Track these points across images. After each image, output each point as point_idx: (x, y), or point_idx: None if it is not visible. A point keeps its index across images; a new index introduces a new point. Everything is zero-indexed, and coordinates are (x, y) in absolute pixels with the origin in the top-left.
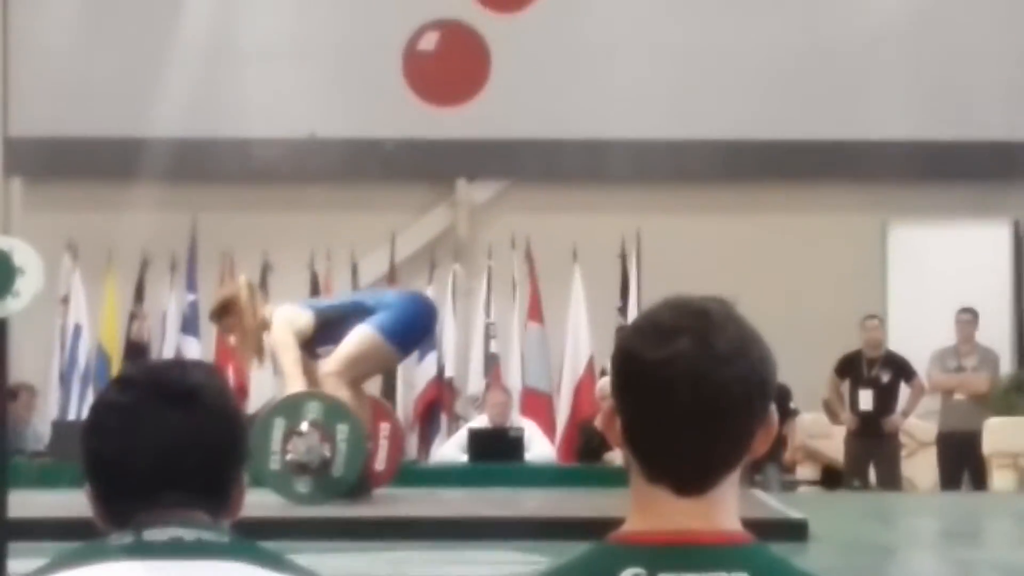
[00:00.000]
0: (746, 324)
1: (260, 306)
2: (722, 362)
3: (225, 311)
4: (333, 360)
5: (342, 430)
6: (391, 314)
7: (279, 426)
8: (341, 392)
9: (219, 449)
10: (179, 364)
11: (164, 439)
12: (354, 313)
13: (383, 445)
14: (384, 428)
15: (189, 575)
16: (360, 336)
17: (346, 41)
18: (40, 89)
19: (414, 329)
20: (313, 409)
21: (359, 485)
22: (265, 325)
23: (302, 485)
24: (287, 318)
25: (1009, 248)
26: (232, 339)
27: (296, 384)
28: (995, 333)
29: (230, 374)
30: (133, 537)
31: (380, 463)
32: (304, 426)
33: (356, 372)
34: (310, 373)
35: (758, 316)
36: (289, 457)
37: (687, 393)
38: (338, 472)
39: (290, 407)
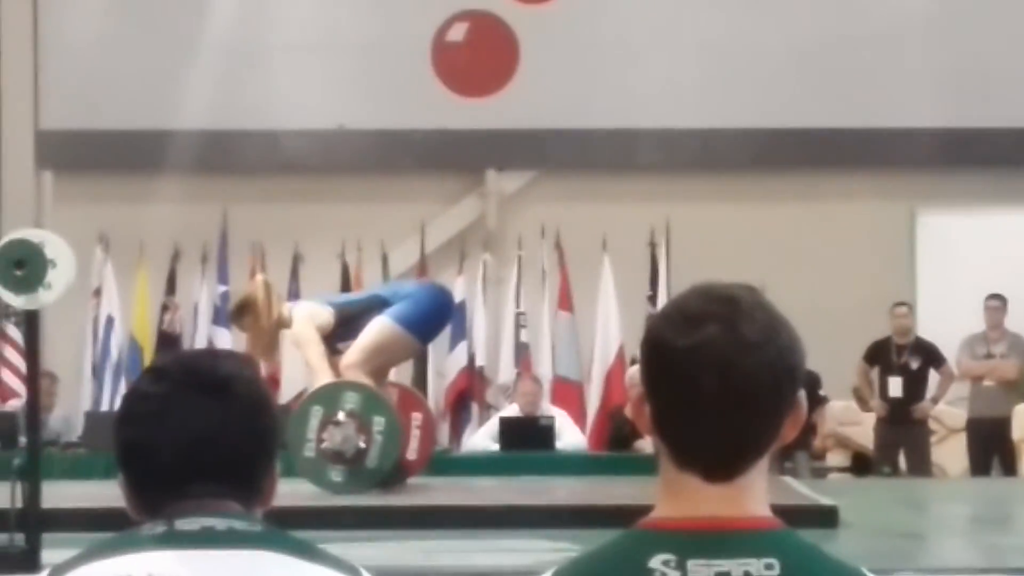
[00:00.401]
0: (774, 311)
1: (276, 305)
2: (750, 349)
3: (242, 311)
4: (353, 351)
5: (379, 422)
6: (408, 304)
7: (316, 414)
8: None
9: (251, 439)
10: (212, 354)
11: (196, 428)
12: (372, 307)
13: (415, 435)
14: (416, 418)
15: (221, 564)
16: (379, 327)
17: (375, 32)
18: (70, 82)
19: (432, 318)
20: (351, 399)
21: (392, 474)
22: (282, 323)
23: (335, 474)
24: (308, 314)
25: None
26: (246, 338)
27: (324, 376)
28: None
29: (262, 364)
30: (165, 527)
31: (412, 452)
32: (341, 415)
33: (376, 363)
34: (332, 368)
35: (787, 304)
36: (324, 445)
37: (715, 380)
38: (372, 463)
39: (328, 396)
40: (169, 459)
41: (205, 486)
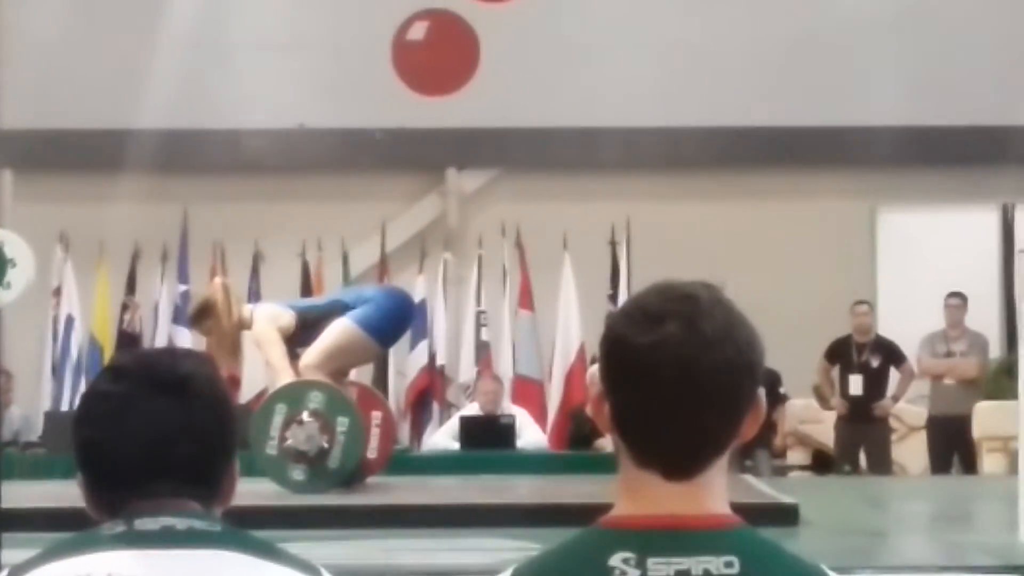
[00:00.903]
0: (733, 308)
1: (236, 307)
2: (709, 346)
3: (203, 315)
4: (313, 352)
5: (343, 422)
6: (370, 308)
7: (280, 412)
8: None
9: (210, 438)
10: (171, 353)
11: (155, 428)
12: (333, 312)
13: (375, 433)
14: (375, 416)
15: (181, 564)
16: (339, 329)
17: (335, 31)
18: (30, 81)
19: (393, 322)
20: (316, 399)
21: (353, 474)
22: (243, 325)
23: (297, 473)
24: (270, 315)
25: (998, 232)
26: (208, 341)
27: (286, 376)
28: (984, 317)
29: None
30: (125, 526)
31: (372, 451)
32: (305, 415)
33: (336, 364)
34: (293, 369)
35: (748, 302)
36: (287, 444)
37: (675, 377)
38: (334, 463)
39: (293, 394)
40: (128, 458)
41: (165, 485)
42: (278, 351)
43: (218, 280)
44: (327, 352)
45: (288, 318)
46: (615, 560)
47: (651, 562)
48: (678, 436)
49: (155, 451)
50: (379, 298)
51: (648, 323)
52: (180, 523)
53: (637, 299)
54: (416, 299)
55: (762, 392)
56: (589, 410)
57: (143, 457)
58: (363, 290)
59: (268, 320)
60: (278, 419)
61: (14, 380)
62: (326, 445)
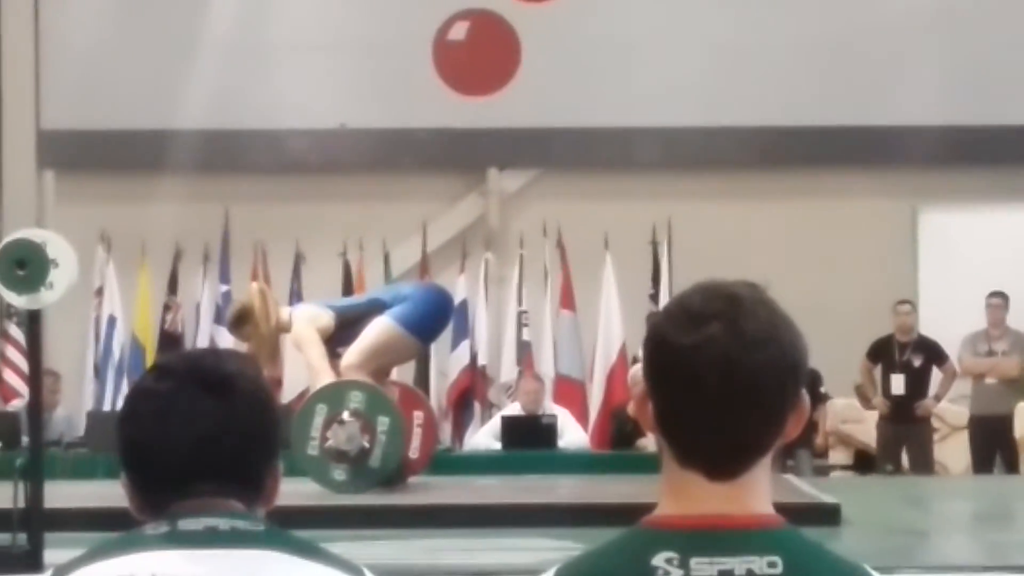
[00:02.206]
0: (777, 308)
1: (274, 310)
2: (753, 347)
3: (241, 321)
4: (353, 352)
5: (383, 422)
6: (409, 305)
7: (320, 412)
8: None
9: (254, 438)
10: (215, 353)
11: (199, 427)
12: (372, 311)
13: (416, 433)
14: (417, 416)
15: (224, 564)
16: (379, 328)
17: (376, 31)
18: (72, 82)
19: (432, 319)
20: (356, 399)
21: (394, 473)
22: (282, 328)
23: (338, 472)
24: (308, 316)
25: None
26: (248, 346)
27: (326, 377)
28: None
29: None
30: (169, 527)
31: (414, 451)
32: (346, 415)
33: (377, 363)
34: (333, 370)
35: (789, 302)
36: (328, 444)
37: (718, 378)
38: (375, 463)
39: (333, 395)
40: (172, 458)
41: (208, 485)
42: (317, 352)
43: (255, 285)
44: (368, 351)
45: (327, 318)
46: (658, 560)
47: (694, 562)
48: (721, 436)
49: (199, 451)
50: (417, 295)
51: (691, 323)
52: (223, 523)
53: (680, 299)
54: (457, 299)
55: (806, 392)
56: (631, 410)
57: (187, 457)
58: (401, 288)
59: (307, 321)
60: (319, 419)
61: (61, 381)
62: (367, 445)
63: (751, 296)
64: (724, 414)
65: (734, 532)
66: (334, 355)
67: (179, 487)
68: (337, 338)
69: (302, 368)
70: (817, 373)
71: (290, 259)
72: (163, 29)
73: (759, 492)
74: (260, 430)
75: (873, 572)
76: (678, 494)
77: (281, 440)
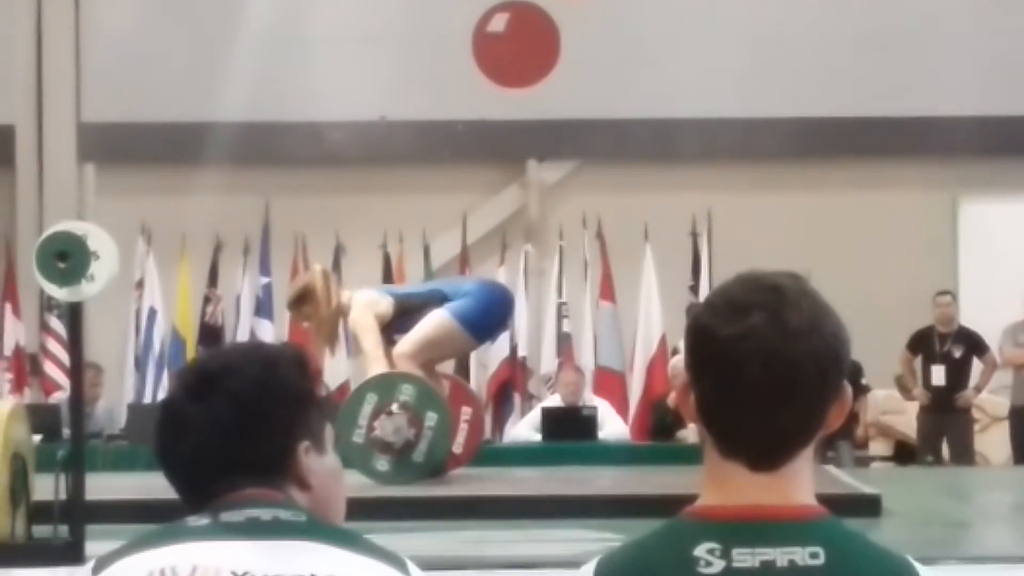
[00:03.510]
0: (819, 299)
1: (336, 293)
2: (795, 338)
3: (302, 300)
4: (408, 342)
5: (431, 417)
6: (468, 302)
7: (370, 401)
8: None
9: (252, 430)
10: (209, 355)
11: (192, 433)
12: (431, 301)
13: (463, 429)
14: (466, 412)
15: (266, 555)
16: (437, 321)
17: (416, 23)
18: (112, 75)
19: (490, 318)
20: (406, 391)
21: (437, 468)
22: (341, 311)
23: (382, 463)
24: (368, 301)
25: None
26: (308, 327)
27: (379, 365)
28: None
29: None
30: (210, 518)
31: (458, 447)
32: (395, 406)
33: (429, 356)
34: (387, 357)
35: (828, 293)
36: (375, 434)
37: (760, 369)
38: (419, 458)
39: (384, 385)
40: (182, 465)
41: (237, 479)
42: (373, 339)
43: (318, 266)
44: (422, 343)
45: (386, 304)
46: (700, 551)
47: (736, 553)
48: (763, 427)
49: (201, 454)
50: (478, 292)
51: (733, 314)
52: (265, 514)
53: (723, 290)
54: None
55: (847, 383)
56: (672, 400)
57: (194, 461)
58: (463, 282)
59: (365, 306)
60: (367, 408)
61: (103, 375)
62: (413, 438)
63: (794, 287)
64: (766, 405)
65: (776, 523)
66: (390, 342)
67: (206, 486)
68: (395, 326)
69: (342, 360)
70: (858, 364)
71: (330, 251)
72: (203, 22)
73: (801, 483)
74: (258, 420)
75: (916, 563)
76: (720, 485)
77: (305, 426)
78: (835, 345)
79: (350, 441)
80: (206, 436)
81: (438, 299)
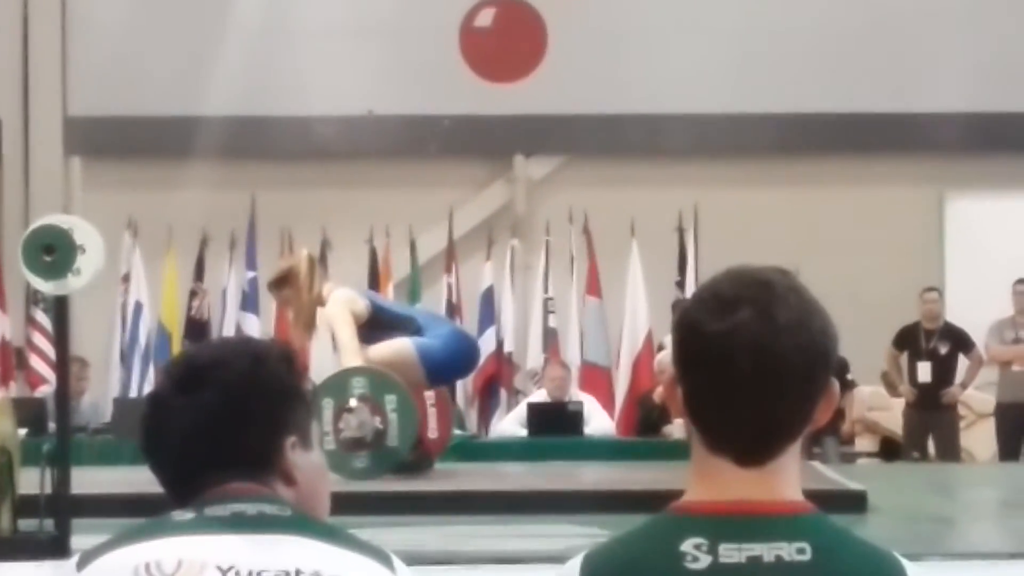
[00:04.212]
0: (808, 295)
1: (318, 282)
2: (783, 333)
3: (283, 282)
4: (367, 354)
5: (390, 400)
6: (437, 343)
7: (328, 406)
8: None
9: (238, 423)
10: (196, 348)
11: (178, 426)
12: (404, 325)
13: (431, 413)
14: (429, 396)
15: (251, 548)
16: (400, 347)
17: (403, 18)
18: (98, 69)
19: (451, 369)
20: (359, 384)
21: (419, 458)
22: (320, 301)
23: (359, 460)
24: (346, 298)
25: None
26: (289, 313)
27: (353, 358)
28: None
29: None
30: (195, 513)
31: (432, 431)
32: (353, 402)
33: None
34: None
35: (815, 289)
36: (343, 435)
37: (748, 364)
38: (393, 442)
39: (336, 385)
40: (168, 458)
41: (222, 474)
42: (349, 332)
43: (305, 251)
44: (379, 361)
45: (363, 307)
46: (686, 546)
47: (723, 548)
48: (751, 422)
49: (187, 447)
50: (449, 338)
51: (721, 309)
52: (250, 508)
53: (711, 285)
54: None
55: (835, 379)
56: (658, 396)
57: (180, 454)
58: (441, 322)
59: (343, 302)
60: (327, 413)
61: (89, 368)
62: (380, 426)
63: (782, 282)
64: (754, 400)
65: (763, 518)
66: None
67: (191, 480)
68: (361, 334)
69: (328, 356)
70: (844, 360)
71: (316, 245)
72: (190, 15)
73: (788, 478)
74: (245, 414)
75: (903, 559)
76: (707, 480)
77: (291, 420)
78: (823, 341)
79: (323, 451)
80: (193, 429)
81: (412, 328)
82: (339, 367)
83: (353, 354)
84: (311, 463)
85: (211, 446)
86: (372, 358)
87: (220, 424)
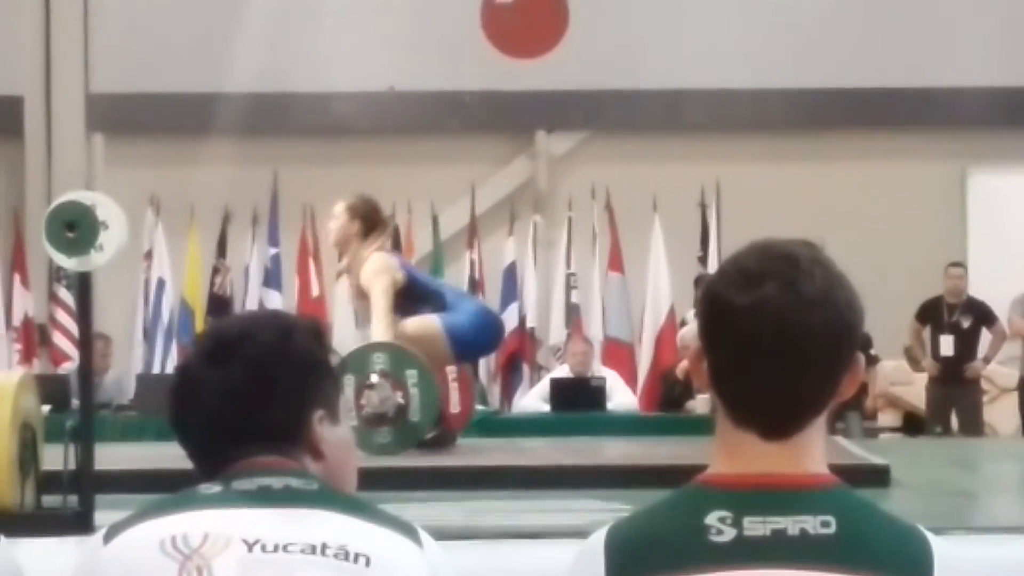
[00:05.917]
0: (834, 268)
1: (370, 233)
2: (809, 306)
3: (347, 210)
4: (392, 326)
5: (411, 375)
6: (463, 320)
7: (349, 383)
8: None
9: (269, 396)
10: (227, 321)
11: (208, 398)
12: (433, 300)
13: (453, 388)
14: (450, 371)
15: (278, 522)
16: (426, 324)
17: None
18: (120, 46)
19: (476, 345)
20: (380, 360)
21: (441, 434)
22: (359, 252)
23: (382, 436)
24: (387, 265)
25: None
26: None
27: (383, 329)
28: None
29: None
30: (222, 486)
31: (454, 406)
32: (374, 377)
33: None
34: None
35: (838, 264)
36: (365, 411)
37: (773, 338)
38: (415, 416)
39: (356, 362)
40: (197, 431)
41: (250, 447)
42: (385, 304)
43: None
44: (404, 338)
45: (400, 276)
46: (711, 519)
47: (747, 521)
48: (776, 396)
49: (217, 420)
50: (473, 314)
51: (747, 283)
52: (277, 482)
53: (736, 259)
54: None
55: (860, 353)
56: (681, 371)
57: (208, 427)
58: (467, 299)
59: (384, 269)
60: (348, 390)
61: (112, 345)
62: (402, 401)
63: (808, 256)
64: (779, 373)
65: (787, 491)
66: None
67: (219, 453)
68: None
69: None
70: (867, 335)
71: None
72: None
73: (813, 452)
74: (273, 387)
75: (927, 532)
76: (732, 454)
77: (319, 393)
78: (849, 315)
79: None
80: (221, 402)
81: (440, 303)
82: (369, 340)
83: (386, 328)
84: (338, 437)
85: (239, 419)
86: (400, 333)
87: (248, 397)
